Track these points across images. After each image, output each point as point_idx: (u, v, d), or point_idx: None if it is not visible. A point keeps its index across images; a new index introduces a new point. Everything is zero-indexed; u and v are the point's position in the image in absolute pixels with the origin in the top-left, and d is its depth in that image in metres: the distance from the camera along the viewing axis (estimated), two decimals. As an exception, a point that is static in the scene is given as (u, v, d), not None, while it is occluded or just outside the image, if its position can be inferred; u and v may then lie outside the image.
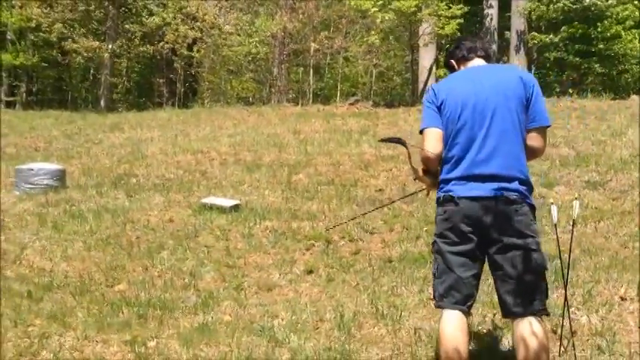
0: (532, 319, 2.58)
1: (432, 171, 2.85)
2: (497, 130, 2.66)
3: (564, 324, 3.19)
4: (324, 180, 7.28)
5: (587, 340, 3.43)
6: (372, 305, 4.00)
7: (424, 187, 3.03)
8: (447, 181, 2.73)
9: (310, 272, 4.69)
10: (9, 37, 24.36)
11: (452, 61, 2.96)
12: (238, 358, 3.38)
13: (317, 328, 3.74)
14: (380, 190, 6.79)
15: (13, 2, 22.05)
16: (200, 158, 8.78)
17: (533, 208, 2.69)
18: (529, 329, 2.56)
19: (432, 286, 2.80)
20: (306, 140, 9.55)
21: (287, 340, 3.56)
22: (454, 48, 2.98)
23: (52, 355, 3.44)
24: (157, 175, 7.92)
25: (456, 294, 2.68)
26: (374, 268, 4.68)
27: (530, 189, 2.71)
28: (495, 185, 2.62)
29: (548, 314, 2.68)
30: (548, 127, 2.78)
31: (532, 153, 2.78)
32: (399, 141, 3.06)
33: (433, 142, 2.77)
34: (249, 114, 13.26)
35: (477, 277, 2.72)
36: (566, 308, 3.10)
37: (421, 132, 2.83)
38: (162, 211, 6.30)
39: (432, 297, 2.87)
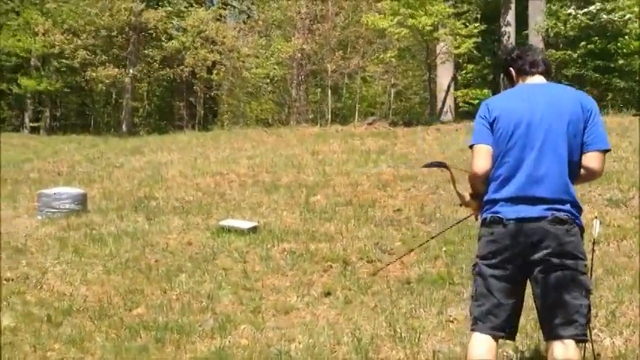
0: (570, 343, 2.54)
1: (480, 192, 2.78)
2: (549, 151, 2.61)
3: (587, 346, 3.12)
4: (342, 201, 7.27)
5: (611, 362, 3.35)
6: (390, 328, 3.96)
7: (472, 212, 2.97)
8: (494, 202, 2.67)
9: (328, 294, 4.67)
10: (33, 64, 24.93)
11: (512, 69, 2.86)
12: (255, 382, 3.37)
13: (334, 352, 3.71)
14: (398, 209, 6.76)
15: (37, 29, 22.57)
16: (219, 180, 8.84)
17: (582, 229, 2.64)
18: (565, 353, 2.52)
19: (469, 309, 2.78)
20: (325, 161, 9.56)
21: (304, 364, 3.53)
22: (516, 57, 2.85)
23: (70, 380, 3.46)
24: (177, 198, 7.98)
25: (494, 319, 2.64)
26: (392, 290, 4.64)
27: (579, 210, 2.66)
28: (545, 206, 2.58)
29: (586, 341, 2.64)
30: (608, 150, 2.71)
31: (590, 175, 2.72)
32: (442, 165, 3.06)
33: (482, 160, 2.71)
34: (268, 135, 13.34)
35: (518, 302, 2.69)
36: (589, 330, 3.03)
37: (471, 147, 2.79)
38: (180, 234, 6.33)
39: (469, 315, 2.81)
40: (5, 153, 13.24)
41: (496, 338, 2.67)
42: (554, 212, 2.57)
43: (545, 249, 2.56)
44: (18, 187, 9.15)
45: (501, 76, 16.17)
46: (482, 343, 2.64)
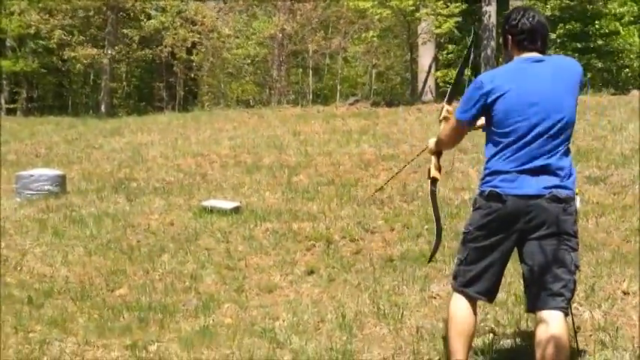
0: (558, 314, 2.61)
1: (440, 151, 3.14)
2: (556, 128, 2.63)
3: (567, 320, 3.17)
4: (324, 180, 7.27)
5: (590, 335, 3.41)
6: (373, 305, 3.98)
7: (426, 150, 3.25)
8: (496, 174, 2.70)
9: (311, 273, 4.68)
10: (8, 44, 24.42)
11: (509, 38, 2.80)
12: (239, 360, 3.37)
13: (318, 329, 3.73)
14: (380, 188, 6.77)
15: (13, 9, 22.07)
16: (200, 161, 8.78)
17: (577, 207, 2.71)
18: (554, 323, 2.59)
19: (456, 271, 2.88)
20: (306, 141, 9.53)
21: (288, 341, 3.55)
22: (516, 22, 2.76)
23: (52, 360, 3.44)
24: (158, 179, 7.92)
25: (482, 285, 2.78)
26: (375, 268, 4.67)
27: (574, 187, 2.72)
28: (546, 182, 2.62)
29: (567, 315, 2.69)
30: None
31: None
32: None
33: (456, 137, 2.98)
34: (250, 116, 13.25)
35: (503, 269, 2.82)
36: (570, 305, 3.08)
37: (456, 120, 2.87)
38: (162, 215, 6.29)
39: (452, 279, 2.92)
40: (-19, 135, 13.01)
41: (476, 301, 2.83)
42: (552, 190, 2.61)
43: (541, 225, 2.62)
44: (-5, 170, 9.00)
45: (482, 53, 16.20)
46: (465, 305, 2.80)
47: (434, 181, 3.23)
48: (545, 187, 2.62)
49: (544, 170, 2.63)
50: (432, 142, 3.18)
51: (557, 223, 2.61)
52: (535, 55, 2.75)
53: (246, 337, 3.64)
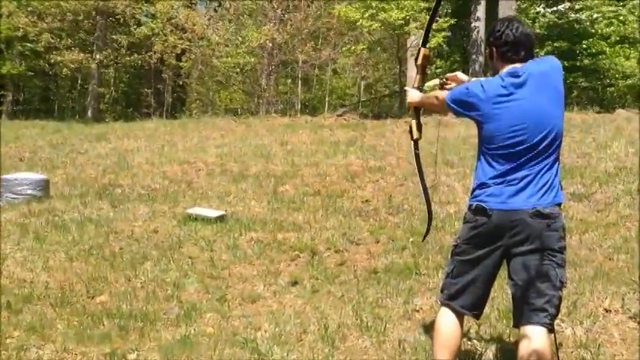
0: (541, 330, 2.61)
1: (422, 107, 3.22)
2: (543, 144, 2.64)
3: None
4: (310, 191, 7.26)
5: (572, 352, 3.42)
6: (356, 317, 3.96)
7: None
8: (482, 187, 2.73)
9: (295, 283, 4.65)
10: (-4, 47, 24.22)
11: (494, 50, 2.82)
12: (220, 370, 3.33)
13: (300, 340, 3.70)
14: (366, 201, 6.77)
15: (1, 11, 21.92)
16: (186, 169, 8.73)
17: (564, 223, 2.71)
18: (536, 339, 2.59)
19: (443, 284, 2.91)
20: (294, 151, 9.53)
21: (270, 352, 3.51)
22: (500, 33, 2.78)
23: (29, 368, 3.38)
24: (143, 186, 7.86)
25: (467, 298, 2.79)
26: (359, 280, 4.65)
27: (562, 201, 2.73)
28: (529, 197, 2.63)
29: (552, 331, 2.69)
30: None
31: None
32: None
33: (440, 110, 3.10)
34: (237, 125, 13.23)
35: (490, 285, 2.83)
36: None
37: (450, 101, 2.86)
38: (146, 222, 6.24)
39: (440, 292, 2.95)
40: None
41: (463, 315, 2.83)
42: (535, 205, 2.62)
43: (525, 241, 2.63)
44: (-23, 172, 8.89)
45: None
46: (451, 319, 2.82)
47: (416, 142, 3.29)
48: (528, 202, 2.63)
49: (528, 185, 2.65)
50: (414, 95, 3.21)
51: (541, 239, 2.62)
52: (516, 67, 2.74)
53: (227, 347, 3.60)
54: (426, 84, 3.26)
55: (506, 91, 2.69)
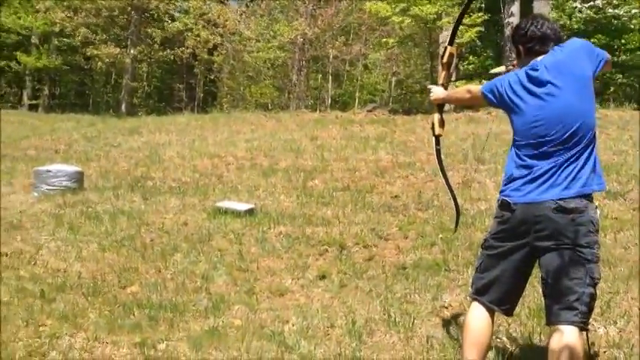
0: (570, 329, 2.55)
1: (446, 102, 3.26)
2: (567, 135, 2.59)
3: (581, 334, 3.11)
4: (339, 186, 7.25)
5: (605, 352, 3.34)
6: (384, 312, 3.94)
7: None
8: (509, 181, 2.73)
9: (323, 278, 4.65)
10: (33, 41, 24.77)
11: (520, 47, 2.80)
12: (247, 362, 3.35)
13: (328, 334, 3.70)
14: (396, 196, 6.73)
15: (38, 7, 22.37)
16: (217, 162, 8.80)
17: (594, 218, 2.61)
18: (565, 338, 2.53)
19: (472, 279, 2.92)
20: (323, 146, 9.53)
21: (297, 345, 3.52)
22: (524, 31, 2.76)
23: (61, 355, 3.44)
24: (174, 179, 7.95)
25: (494, 293, 2.77)
26: (387, 275, 4.63)
27: (592, 194, 2.66)
28: (552, 191, 2.59)
29: (586, 330, 2.63)
30: None
31: None
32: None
33: (471, 102, 3.16)
34: (267, 119, 13.28)
35: (520, 282, 2.79)
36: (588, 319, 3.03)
37: (485, 92, 2.85)
38: (177, 214, 6.31)
39: (470, 286, 2.97)
40: (3, 130, 13.18)
41: (493, 311, 2.79)
42: (558, 200, 2.57)
43: (551, 236, 2.58)
44: (15, 164, 9.12)
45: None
46: (480, 314, 2.79)
47: (437, 138, 3.30)
48: (550, 195, 2.58)
49: (551, 178, 2.60)
50: (437, 91, 3.22)
51: (567, 234, 2.56)
52: (536, 60, 2.70)
53: (255, 340, 3.62)
54: (492, 70, 3.26)
55: (528, 84, 2.68)
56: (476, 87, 2.97)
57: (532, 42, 2.74)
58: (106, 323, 3.86)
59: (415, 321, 3.78)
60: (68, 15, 20.97)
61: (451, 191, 3.43)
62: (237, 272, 4.79)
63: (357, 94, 21.17)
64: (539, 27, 2.74)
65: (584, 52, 2.69)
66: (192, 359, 3.42)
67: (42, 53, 23.85)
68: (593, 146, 2.66)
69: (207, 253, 5.19)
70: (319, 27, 18.92)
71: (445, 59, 3.25)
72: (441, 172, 3.39)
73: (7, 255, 5.15)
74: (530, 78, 2.68)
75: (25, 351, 3.47)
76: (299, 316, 3.94)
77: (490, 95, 2.83)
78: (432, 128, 3.27)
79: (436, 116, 3.25)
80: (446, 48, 3.27)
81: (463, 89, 3.11)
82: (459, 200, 3.57)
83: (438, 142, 3.34)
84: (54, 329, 3.76)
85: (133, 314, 4.02)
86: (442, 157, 3.41)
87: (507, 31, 16.94)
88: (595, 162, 2.65)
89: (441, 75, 3.33)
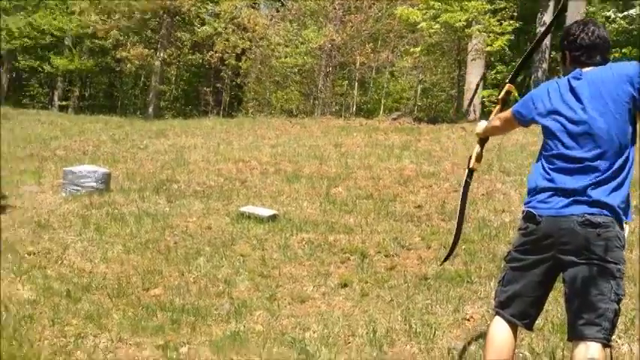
0: (593, 345, 2.51)
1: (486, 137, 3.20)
2: (595, 152, 2.55)
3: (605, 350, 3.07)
4: (363, 194, 7.25)
5: (629, 371, 3.30)
6: (405, 322, 3.94)
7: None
8: (534, 193, 2.70)
9: (344, 286, 4.66)
10: (66, 43, 25.25)
11: (567, 54, 2.75)
12: (267, 368, 3.38)
13: (348, 343, 3.71)
14: (419, 206, 6.71)
15: (74, 9, 22.80)
16: (241, 167, 8.87)
17: (620, 233, 2.57)
18: (589, 354, 2.49)
19: (495, 292, 2.88)
20: (347, 153, 9.54)
21: (318, 353, 3.54)
22: (574, 37, 2.69)
23: (86, 355, 3.51)
24: (198, 182, 8.03)
25: (516, 307, 2.73)
26: (409, 285, 4.62)
27: (620, 213, 2.59)
28: (579, 205, 2.55)
29: (609, 346, 2.58)
30: None
31: None
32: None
33: (505, 127, 3.05)
34: (292, 125, 13.34)
35: (542, 296, 2.75)
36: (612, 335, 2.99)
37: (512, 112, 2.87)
38: (200, 218, 6.37)
39: (493, 299, 2.96)
40: (33, 130, 13.46)
41: (516, 325, 2.76)
42: (585, 214, 2.53)
43: (575, 250, 2.54)
44: (44, 164, 9.29)
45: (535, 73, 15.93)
46: (502, 328, 2.75)
47: (471, 171, 3.25)
48: (577, 209, 2.55)
49: (578, 192, 2.56)
50: (481, 126, 3.24)
51: (592, 249, 2.52)
52: (579, 70, 2.65)
53: (276, 346, 3.65)
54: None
55: (567, 95, 2.63)
56: (504, 112, 2.97)
57: (580, 50, 2.68)
58: (129, 325, 3.92)
59: (436, 332, 3.77)
60: (102, 18, 21.33)
61: (458, 228, 3.36)
62: (260, 278, 4.83)
63: (382, 102, 21.13)
64: (589, 35, 2.67)
65: (634, 76, 2.55)
66: (213, 363, 3.45)
67: (74, 55, 24.30)
68: (625, 172, 2.59)
69: (230, 258, 5.24)
70: (348, 33, 18.95)
71: (502, 95, 3.19)
72: (461, 206, 3.29)
73: (34, 254, 5.27)
74: (571, 88, 2.63)
75: (51, 350, 3.55)
76: (320, 324, 3.95)
77: (522, 111, 2.82)
78: (469, 160, 3.22)
79: (476, 149, 3.20)
80: (505, 84, 3.21)
81: (494, 118, 3.11)
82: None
83: (470, 176, 3.27)
84: (79, 329, 3.84)
85: (156, 316, 4.08)
86: (467, 195, 3.34)
87: (537, 41, 16.78)
88: (625, 191, 2.59)
89: (495, 110, 3.26)
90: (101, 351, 3.56)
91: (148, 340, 3.71)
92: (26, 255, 5.22)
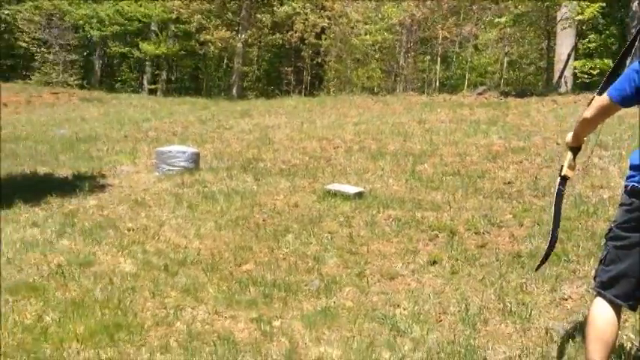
0: None
1: (579, 142, 2.97)
2: None
3: None
4: (449, 170, 7.10)
5: None
6: (499, 301, 3.84)
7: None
8: (637, 168, 2.58)
9: (434, 263, 4.60)
10: (153, 29, 26.18)
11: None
12: (360, 344, 3.39)
13: (440, 321, 3.66)
14: (509, 182, 6.50)
15: (157, -5, 23.54)
16: (325, 145, 8.90)
17: None
18: None
19: (595, 271, 2.76)
20: (432, 130, 9.37)
21: (409, 330, 3.52)
22: None
23: (185, 326, 3.64)
24: (283, 161, 8.14)
25: (621, 288, 2.62)
26: (501, 263, 4.49)
27: None
28: None
29: None
30: None
31: None
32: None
33: (599, 115, 2.78)
34: (374, 102, 13.24)
35: None
36: None
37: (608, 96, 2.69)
38: (287, 196, 6.46)
39: (593, 279, 2.81)
40: (126, 112, 14.08)
41: (619, 307, 2.64)
42: None
43: None
44: (138, 145, 9.70)
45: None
46: (605, 310, 2.64)
47: (564, 179, 3.05)
48: None
49: None
50: (570, 136, 3.03)
51: None
52: None
53: (366, 322, 3.65)
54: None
55: None
56: (595, 102, 2.76)
57: None
58: (224, 298, 4.04)
59: (532, 312, 3.66)
60: (184, 3, 21.92)
61: (553, 236, 3.11)
62: (348, 255, 4.84)
63: (466, 77, 20.56)
64: None
65: None
66: (306, 337, 3.50)
67: (161, 40, 25.17)
68: None
69: (318, 235, 5.28)
70: (428, 7, 18.51)
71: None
72: (555, 214, 3.08)
73: (133, 230, 5.52)
74: None
75: (153, 320, 3.71)
76: (410, 301, 3.92)
77: (624, 86, 2.62)
78: (560, 168, 3.04)
79: (568, 157, 3.01)
80: (593, 97, 2.94)
81: (585, 111, 2.90)
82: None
83: (562, 184, 3.07)
84: (177, 301, 4.00)
85: (249, 291, 4.18)
86: (562, 203, 3.13)
87: (634, 7, 15.76)
88: None
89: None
90: (199, 322, 3.70)
91: (243, 314, 3.81)
92: (126, 231, 5.48)
